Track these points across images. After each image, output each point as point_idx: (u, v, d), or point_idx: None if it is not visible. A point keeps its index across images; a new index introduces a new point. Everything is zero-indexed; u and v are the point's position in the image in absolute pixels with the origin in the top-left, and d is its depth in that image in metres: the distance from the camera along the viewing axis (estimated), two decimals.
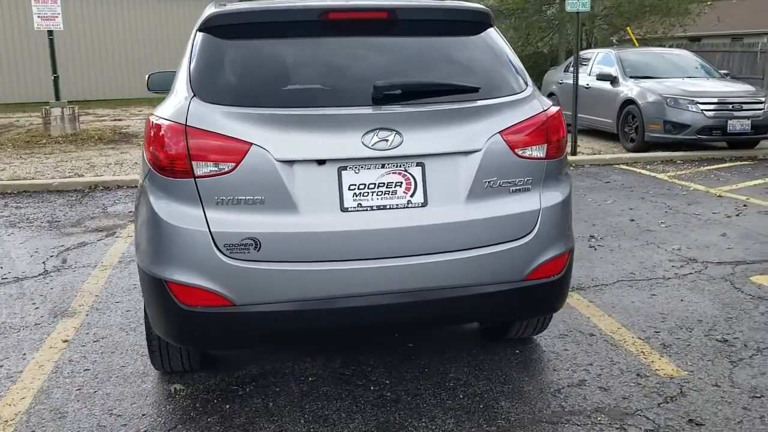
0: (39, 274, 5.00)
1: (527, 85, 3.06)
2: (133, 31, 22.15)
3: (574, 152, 9.80)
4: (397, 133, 2.73)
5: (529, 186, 2.93)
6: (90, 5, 21.49)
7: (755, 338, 3.76)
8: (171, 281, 2.73)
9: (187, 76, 2.89)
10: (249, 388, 3.32)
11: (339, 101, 2.79)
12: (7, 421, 3.03)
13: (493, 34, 3.17)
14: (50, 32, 12.57)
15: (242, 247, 2.66)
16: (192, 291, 2.70)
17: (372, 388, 3.30)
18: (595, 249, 5.45)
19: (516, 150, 2.89)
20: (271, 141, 2.67)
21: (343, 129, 2.72)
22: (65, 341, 3.84)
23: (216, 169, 2.67)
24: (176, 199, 2.72)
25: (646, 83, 10.51)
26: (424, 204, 2.78)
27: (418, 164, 2.78)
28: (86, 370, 3.50)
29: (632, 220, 6.33)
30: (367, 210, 2.73)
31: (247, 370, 3.50)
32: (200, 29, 2.96)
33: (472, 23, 3.16)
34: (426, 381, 3.36)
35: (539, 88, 3.28)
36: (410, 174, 2.78)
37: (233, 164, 2.66)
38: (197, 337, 2.85)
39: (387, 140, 2.72)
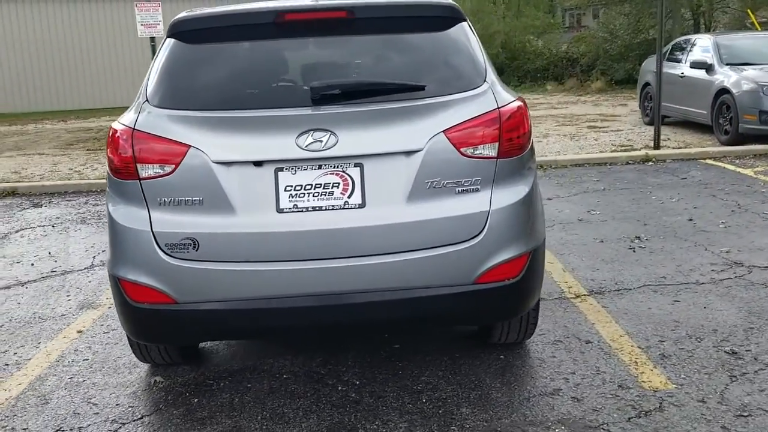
0: (84, 268, 5.37)
1: (485, 81, 2.94)
2: None
3: (657, 146, 9.25)
4: (332, 133, 2.72)
5: (478, 186, 2.82)
6: None
7: None
8: (123, 279, 2.87)
9: (145, 81, 3.01)
10: (223, 383, 3.42)
11: (278, 102, 2.81)
12: None
13: (460, 29, 3.07)
14: (152, 39, 13.44)
15: (182, 246, 2.75)
16: (139, 288, 2.82)
17: (339, 388, 3.31)
18: (634, 251, 5.13)
19: (461, 149, 2.79)
20: (208, 143, 2.74)
21: (279, 130, 2.74)
22: (79, 332, 4.11)
23: (158, 171, 2.77)
24: (126, 200, 2.85)
25: (744, 71, 9.73)
26: (362, 205, 2.75)
27: (356, 165, 2.75)
28: (85, 360, 3.74)
29: (690, 220, 5.91)
30: (302, 211, 2.74)
31: (227, 365, 3.60)
32: (167, 35, 3.07)
33: (436, 19, 3.08)
34: (395, 383, 3.32)
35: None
36: (348, 175, 2.75)
37: (173, 166, 2.75)
38: (146, 332, 2.97)
39: (321, 141, 2.71)
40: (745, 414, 2.89)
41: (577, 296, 4.29)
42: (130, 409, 3.22)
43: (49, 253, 5.89)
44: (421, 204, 2.77)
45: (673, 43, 12.43)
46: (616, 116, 13.51)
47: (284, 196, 2.74)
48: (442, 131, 2.77)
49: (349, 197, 2.75)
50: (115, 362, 3.69)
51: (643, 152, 9.04)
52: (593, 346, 3.60)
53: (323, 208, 2.74)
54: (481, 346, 3.64)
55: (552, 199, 7.03)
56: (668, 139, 10.14)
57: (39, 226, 6.94)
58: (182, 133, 2.76)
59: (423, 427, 2.95)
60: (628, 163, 8.78)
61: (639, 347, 3.55)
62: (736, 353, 3.42)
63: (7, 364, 3.73)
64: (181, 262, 2.76)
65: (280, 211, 2.74)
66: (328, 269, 2.73)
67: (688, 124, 11.12)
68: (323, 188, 2.75)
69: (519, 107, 2.93)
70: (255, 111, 2.79)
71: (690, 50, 11.20)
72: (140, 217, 2.80)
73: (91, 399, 3.31)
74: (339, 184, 2.75)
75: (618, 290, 4.36)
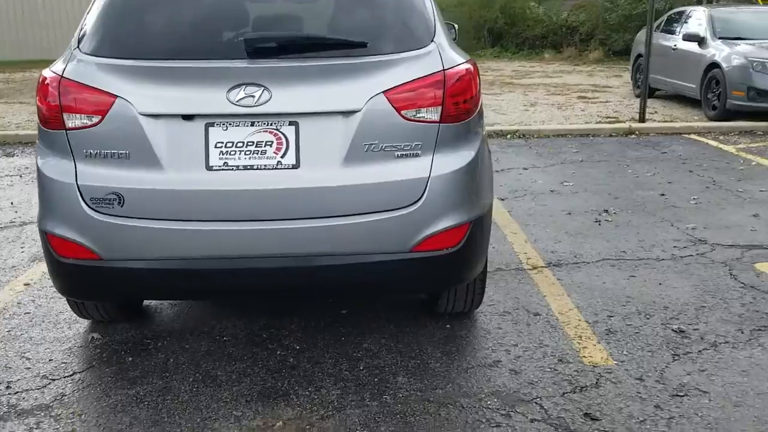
0: None
1: (432, 41, 2.82)
2: None
3: (642, 119, 9.12)
4: (266, 89, 2.61)
5: (418, 151, 2.72)
6: None
7: (718, 331, 3.37)
8: (49, 233, 2.78)
9: (79, 27, 2.89)
10: (161, 343, 3.36)
11: (212, 54, 2.70)
12: None
13: None
14: None
15: (107, 201, 2.66)
16: (64, 243, 2.74)
17: (278, 352, 3.25)
18: (600, 224, 5.06)
19: (402, 112, 2.68)
20: (136, 94, 2.64)
21: (210, 83, 2.63)
22: (26, 284, 4.05)
23: (85, 122, 2.67)
24: (53, 152, 2.75)
25: (737, 46, 9.55)
26: (296, 166, 2.66)
27: (291, 123, 2.65)
28: (26, 313, 3.68)
29: (662, 195, 5.82)
30: (233, 169, 2.64)
31: (169, 325, 3.55)
32: None
33: None
34: (335, 350, 3.27)
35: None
36: (282, 133, 2.65)
37: (99, 117, 2.65)
38: (71, 288, 2.90)
39: (253, 96, 2.60)
40: (681, 394, 2.84)
41: (534, 268, 4.22)
42: (62, 365, 3.16)
43: (11, 203, 5.80)
44: (358, 167, 2.68)
45: (668, 14, 12.20)
46: (608, 87, 13.34)
47: (214, 153, 2.64)
48: (382, 92, 2.67)
49: (282, 157, 2.65)
50: (56, 317, 3.63)
51: (627, 125, 8.91)
52: (541, 318, 3.55)
53: (255, 167, 2.65)
54: (429, 316, 3.58)
55: (528, 168, 6.94)
56: (655, 112, 10.01)
57: (6, 175, 6.84)
58: (110, 83, 2.65)
59: (355, 395, 2.90)
60: (611, 135, 8.67)
61: (586, 321, 3.50)
62: (683, 332, 3.37)
63: None
64: (106, 218, 2.67)
65: (209, 168, 2.64)
66: (257, 231, 2.65)
67: (679, 98, 10.97)
68: (255, 146, 2.65)
69: (467, 70, 2.82)
70: (187, 62, 2.67)
71: (684, 22, 10.99)
72: (66, 169, 2.71)
73: (25, 353, 3.26)
74: (272, 142, 2.65)
75: (576, 263, 4.30)
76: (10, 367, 3.13)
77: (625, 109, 10.44)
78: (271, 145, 2.65)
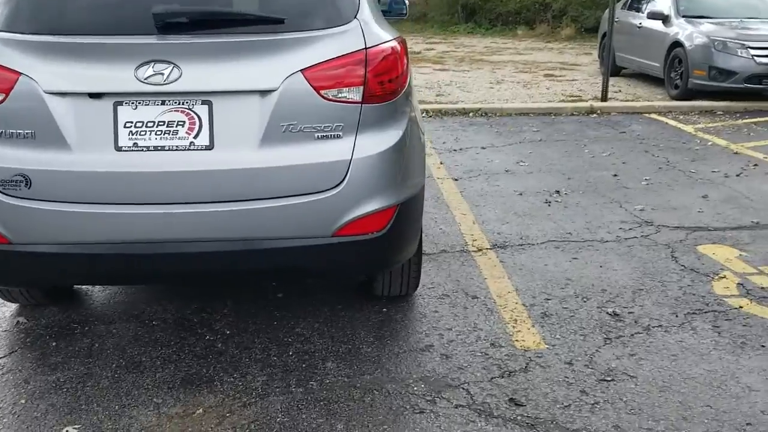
0: None
1: (355, 17, 2.73)
2: None
3: (604, 98, 9.09)
4: (176, 66, 2.50)
5: (340, 133, 2.64)
6: None
7: (653, 314, 3.36)
8: None
9: None
10: (87, 327, 3.28)
11: (121, 29, 2.58)
12: None
13: None
14: None
15: (13, 183, 2.56)
16: None
17: (207, 337, 3.19)
18: (549, 204, 5.03)
19: (321, 91, 2.59)
20: (41, 71, 2.52)
21: (118, 60, 2.52)
22: None
23: None
24: None
25: (700, 24, 9.54)
26: (210, 147, 2.56)
27: (204, 102, 2.56)
28: None
29: (615, 175, 5.81)
30: (143, 150, 2.54)
31: (98, 309, 3.47)
32: None
33: None
34: (266, 335, 3.21)
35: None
36: (195, 113, 2.55)
37: (3, 95, 2.53)
38: None
39: (163, 74, 2.50)
40: (609, 378, 2.83)
41: (479, 250, 4.19)
42: None
43: None
44: (276, 149, 2.59)
45: None
46: (576, 65, 13.31)
47: (123, 133, 2.54)
48: (300, 70, 2.57)
49: (195, 137, 2.56)
50: None
51: (588, 104, 8.88)
52: (478, 301, 3.51)
53: (166, 147, 2.55)
54: (365, 299, 3.53)
55: (486, 148, 6.88)
56: (619, 91, 10.00)
57: None
58: (14, 59, 2.53)
59: (282, 381, 2.85)
60: (572, 114, 8.64)
61: (523, 304, 3.47)
62: (618, 315, 3.36)
63: None
64: (13, 200, 2.56)
65: (118, 149, 2.54)
66: (170, 215, 2.56)
67: (645, 77, 10.96)
68: (167, 126, 2.55)
69: (392, 48, 2.74)
70: (95, 38, 2.56)
71: (650, 0, 10.95)
72: None
73: None
74: (185, 122, 2.55)
75: (521, 245, 4.27)
76: None
77: (590, 87, 10.42)
78: (183, 125, 2.55)
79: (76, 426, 2.58)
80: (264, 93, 2.56)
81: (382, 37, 2.75)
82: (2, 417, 2.63)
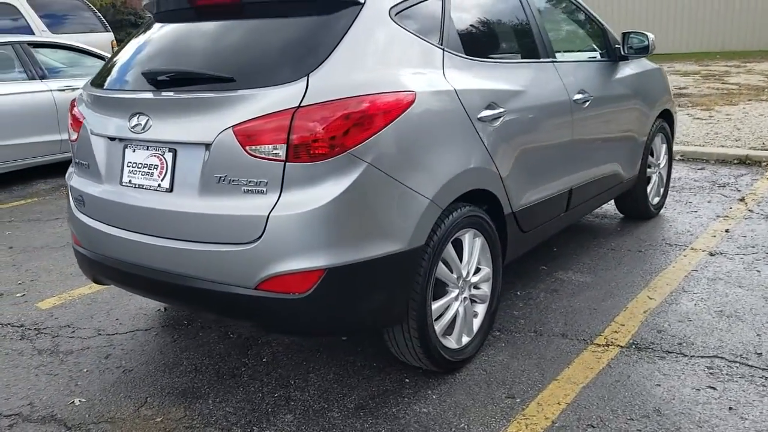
0: None
1: (307, 75, 2.65)
2: None
3: None
4: (149, 118, 2.89)
5: (264, 188, 2.64)
6: None
7: None
8: None
9: None
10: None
11: (128, 85, 3.14)
12: None
13: (310, 20, 2.89)
14: None
15: (80, 201, 3.31)
16: None
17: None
18: None
19: (247, 147, 2.64)
20: (89, 117, 3.21)
21: (123, 111, 3.03)
22: None
23: (73, 136, 3.37)
24: None
25: None
26: (170, 190, 2.88)
27: (170, 150, 2.88)
28: None
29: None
30: (132, 187, 3.01)
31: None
32: None
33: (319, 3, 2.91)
34: None
35: None
36: (165, 159, 2.90)
37: (76, 134, 3.31)
38: None
39: (140, 124, 2.92)
40: None
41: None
42: None
43: None
44: (210, 198, 2.75)
45: None
46: None
47: (126, 171, 3.04)
48: (231, 126, 2.67)
49: (162, 180, 2.90)
50: None
51: None
52: None
53: (144, 186, 2.96)
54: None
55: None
56: None
57: None
58: (82, 108, 3.28)
59: None
60: None
61: None
62: None
63: None
64: (79, 214, 3.32)
65: (122, 183, 3.05)
66: (141, 243, 2.95)
67: None
68: (148, 168, 2.95)
69: (330, 110, 2.58)
70: (116, 92, 3.13)
71: None
72: None
73: None
74: (158, 166, 2.91)
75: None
76: None
77: None
78: (156, 169, 2.92)
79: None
80: (207, 146, 2.75)
81: (333, 96, 2.62)
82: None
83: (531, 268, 4.49)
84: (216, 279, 2.77)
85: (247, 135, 2.64)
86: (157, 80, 2.93)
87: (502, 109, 3.36)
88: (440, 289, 3.14)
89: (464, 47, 3.33)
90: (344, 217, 2.64)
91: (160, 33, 3.29)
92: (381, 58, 2.90)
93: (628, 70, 4.79)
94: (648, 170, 5.25)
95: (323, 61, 2.70)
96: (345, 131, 2.61)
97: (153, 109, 2.91)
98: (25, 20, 10.06)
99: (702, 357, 3.27)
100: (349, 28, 2.81)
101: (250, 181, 2.66)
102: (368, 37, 2.87)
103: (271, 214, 2.62)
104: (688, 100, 11.25)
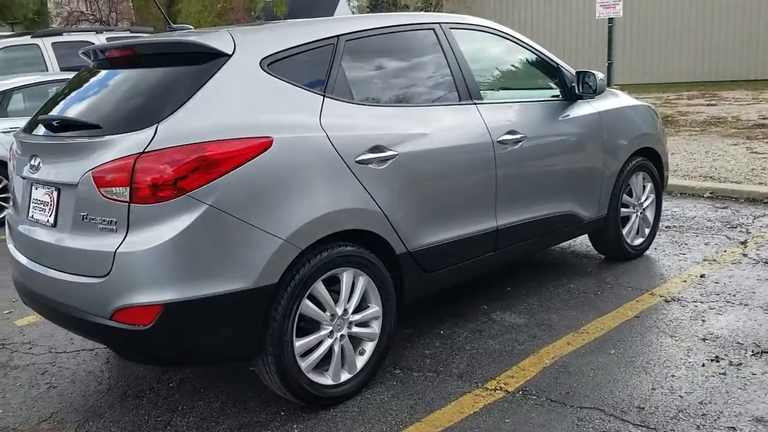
0: None
1: (158, 122, 2.89)
2: None
3: None
4: (41, 160, 3.22)
5: (114, 227, 2.89)
6: None
7: None
8: None
9: None
10: None
11: (36, 130, 3.46)
12: None
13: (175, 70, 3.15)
14: (610, 20, 13.16)
15: (10, 232, 3.69)
16: None
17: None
18: None
19: (100, 189, 2.90)
20: (14, 158, 3.58)
21: (26, 153, 3.39)
22: None
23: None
24: None
25: None
26: (54, 225, 3.18)
27: (56, 189, 3.19)
28: None
29: None
30: (33, 222, 3.34)
31: None
32: None
33: (189, 55, 3.16)
34: None
35: None
36: (52, 197, 3.21)
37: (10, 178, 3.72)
38: None
39: (35, 165, 3.26)
40: None
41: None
42: None
43: None
44: (77, 234, 3.03)
45: None
46: None
47: (31, 207, 3.38)
48: (90, 170, 2.94)
49: (50, 216, 3.21)
50: None
51: None
52: None
53: (38, 221, 3.28)
54: None
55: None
56: None
57: None
58: (14, 150, 3.68)
59: None
60: None
61: None
62: None
63: None
64: (9, 243, 3.70)
65: (28, 219, 3.39)
66: (34, 272, 3.27)
67: None
68: (42, 205, 3.27)
69: (170, 155, 2.81)
70: (25, 136, 3.48)
71: None
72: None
73: None
74: (48, 203, 3.23)
75: None
76: None
77: None
78: (48, 206, 3.23)
79: None
80: (75, 186, 3.03)
81: (185, 140, 2.86)
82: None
83: (471, 306, 4.47)
84: (83, 308, 3.04)
85: (101, 177, 2.91)
86: (49, 125, 3.27)
87: (392, 152, 3.44)
88: (313, 325, 3.25)
89: (355, 94, 3.45)
90: (183, 256, 2.84)
91: (75, 81, 3.64)
92: (243, 107, 3.08)
93: (588, 108, 4.69)
94: (625, 209, 5.08)
95: (176, 110, 2.93)
96: (184, 175, 2.82)
97: (43, 151, 3.25)
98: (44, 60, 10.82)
99: (581, 408, 3.18)
100: (209, 79, 3.02)
101: (104, 220, 2.92)
102: (231, 87, 3.07)
103: (117, 251, 2.86)
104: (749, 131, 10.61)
